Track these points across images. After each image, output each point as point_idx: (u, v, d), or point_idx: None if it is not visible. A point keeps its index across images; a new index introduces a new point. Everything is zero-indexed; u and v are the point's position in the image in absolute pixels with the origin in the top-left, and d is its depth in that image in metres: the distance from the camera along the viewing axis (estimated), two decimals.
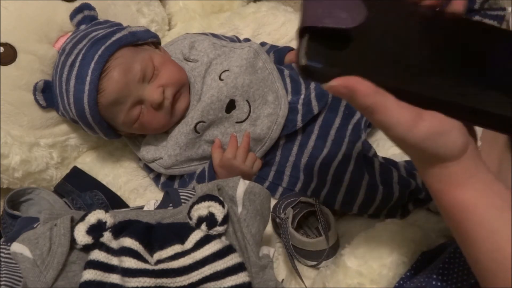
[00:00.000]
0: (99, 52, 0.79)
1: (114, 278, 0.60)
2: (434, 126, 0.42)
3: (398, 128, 0.42)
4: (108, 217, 0.64)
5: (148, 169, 0.91)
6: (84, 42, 0.81)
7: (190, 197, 0.73)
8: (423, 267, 0.65)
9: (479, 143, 0.48)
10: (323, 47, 0.41)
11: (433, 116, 0.42)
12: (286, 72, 0.91)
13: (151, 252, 0.64)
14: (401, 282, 0.64)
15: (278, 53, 0.98)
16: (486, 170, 0.45)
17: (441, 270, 0.58)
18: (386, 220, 0.72)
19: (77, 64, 0.79)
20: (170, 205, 0.73)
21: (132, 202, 0.91)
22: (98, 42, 0.80)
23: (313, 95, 0.86)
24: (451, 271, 0.58)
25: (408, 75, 0.43)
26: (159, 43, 0.92)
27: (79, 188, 0.90)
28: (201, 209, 0.66)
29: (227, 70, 0.86)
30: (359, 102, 0.41)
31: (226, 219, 0.65)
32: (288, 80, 0.90)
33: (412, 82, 0.42)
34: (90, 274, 0.60)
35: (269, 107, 0.86)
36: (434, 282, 0.58)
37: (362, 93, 0.41)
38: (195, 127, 0.84)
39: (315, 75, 0.41)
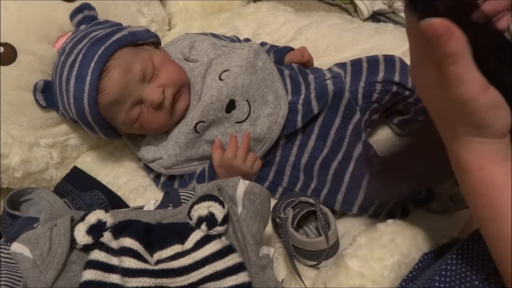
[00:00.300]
0: (99, 52, 0.79)
1: (114, 278, 0.60)
2: (498, 98, 0.45)
3: (472, 86, 0.44)
4: (108, 217, 0.64)
5: (148, 169, 0.91)
6: (84, 42, 0.81)
7: (190, 197, 0.73)
8: (425, 268, 0.65)
9: None
10: None
11: (496, 90, 0.45)
12: (286, 72, 0.91)
13: (151, 252, 0.64)
14: (403, 283, 0.64)
15: (278, 53, 0.98)
16: None
17: (444, 272, 0.58)
18: (387, 220, 0.72)
19: (77, 64, 0.79)
20: (170, 205, 0.73)
21: (132, 202, 0.91)
22: (98, 42, 0.80)
23: (313, 95, 0.86)
24: (453, 272, 0.58)
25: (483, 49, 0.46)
26: (159, 43, 0.92)
27: (79, 188, 0.90)
28: (201, 209, 0.66)
29: (227, 70, 0.86)
30: (450, 47, 0.43)
31: (226, 219, 0.65)
32: (288, 80, 0.90)
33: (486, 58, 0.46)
34: (90, 274, 0.60)
35: (269, 107, 0.86)
36: (437, 284, 0.58)
37: (458, 39, 0.43)
38: (195, 127, 0.84)
39: (421, 6, 0.44)
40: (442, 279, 0.58)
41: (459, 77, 0.44)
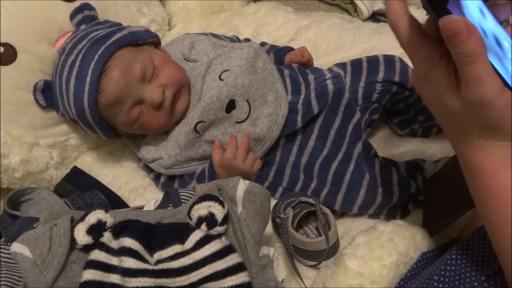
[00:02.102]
0: (99, 52, 0.79)
1: (114, 278, 0.60)
2: None
3: (492, 86, 0.43)
4: (108, 217, 0.64)
5: (148, 169, 0.91)
6: (84, 42, 0.81)
7: (190, 197, 0.73)
8: (424, 267, 0.65)
9: None
10: None
11: (510, 91, 0.44)
12: (286, 72, 0.91)
13: (151, 252, 0.64)
14: (402, 283, 0.64)
15: (278, 53, 0.98)
16: None
17: (443, 272, 0.58)
18: (386, 220, 0.72)
19: (77, 64, 0.79)
20: (170, 205, 0.73)
21: (132, 202, 0.91)
22: (98, 42, 0.80)
23: (313, 95, 0.86)
24: (452, 273, 0.57)
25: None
26: (159, 43, 0.92)
27: (79, 188, 0.90)
28: (201, 209, 0.66)
29: (227, 70, 0.86)
30: (471, 45, 0.42)
31: (226, 219, 0.65)
32: (288, 80, 0.90)
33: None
34: (90, 274, 0.60)
35: (269, 107, 0.86)
36: (436, 284, 0.57)
37: (477, 37, 0.42)
38: (195, 127, 0.84)
39: (439, 4, 0.42)
40: (441, 279, 0.57)
41: (478, 77, 0.43)
